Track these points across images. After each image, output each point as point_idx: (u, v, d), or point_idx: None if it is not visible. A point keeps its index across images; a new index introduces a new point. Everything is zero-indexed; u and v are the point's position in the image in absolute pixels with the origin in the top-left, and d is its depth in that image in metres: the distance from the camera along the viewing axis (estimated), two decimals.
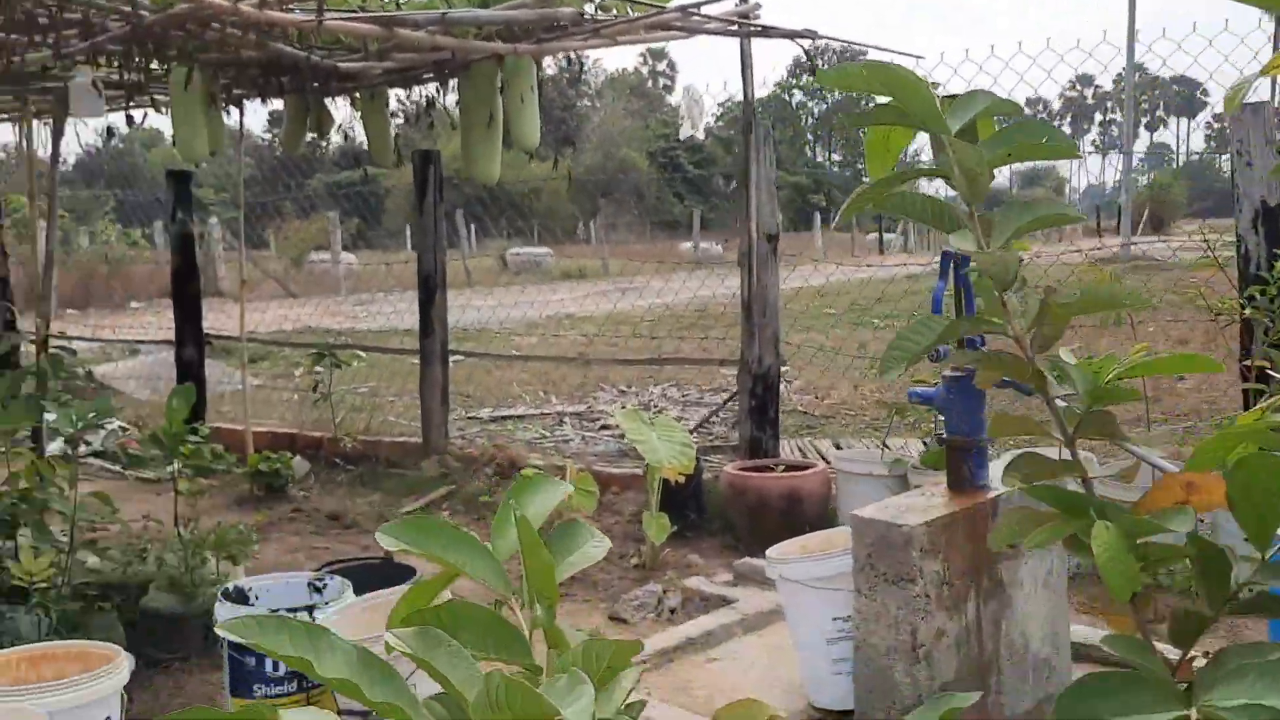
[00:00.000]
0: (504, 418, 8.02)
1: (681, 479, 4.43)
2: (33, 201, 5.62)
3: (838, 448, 6.49)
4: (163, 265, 17.77)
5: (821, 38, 4.61)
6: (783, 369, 5.13)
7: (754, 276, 4.83)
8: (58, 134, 5.33)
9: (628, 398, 8.85)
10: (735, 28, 4.45)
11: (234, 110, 5.08)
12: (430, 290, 5.94)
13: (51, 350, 4.43)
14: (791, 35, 4.34)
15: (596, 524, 5.07)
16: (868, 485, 4.38)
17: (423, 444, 6.02)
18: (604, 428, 7.50)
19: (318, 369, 6.15)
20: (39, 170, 5.89)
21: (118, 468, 6.29)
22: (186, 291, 6.74)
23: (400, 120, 5.33)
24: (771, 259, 4.86)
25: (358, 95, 5.09)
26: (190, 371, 6.68)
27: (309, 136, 4.93)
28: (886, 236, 30.27)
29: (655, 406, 8.24)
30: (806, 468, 4.68)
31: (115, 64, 4.32)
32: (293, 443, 6.43)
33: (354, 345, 6.90)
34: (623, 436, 7.35)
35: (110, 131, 6.23)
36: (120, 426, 6.62)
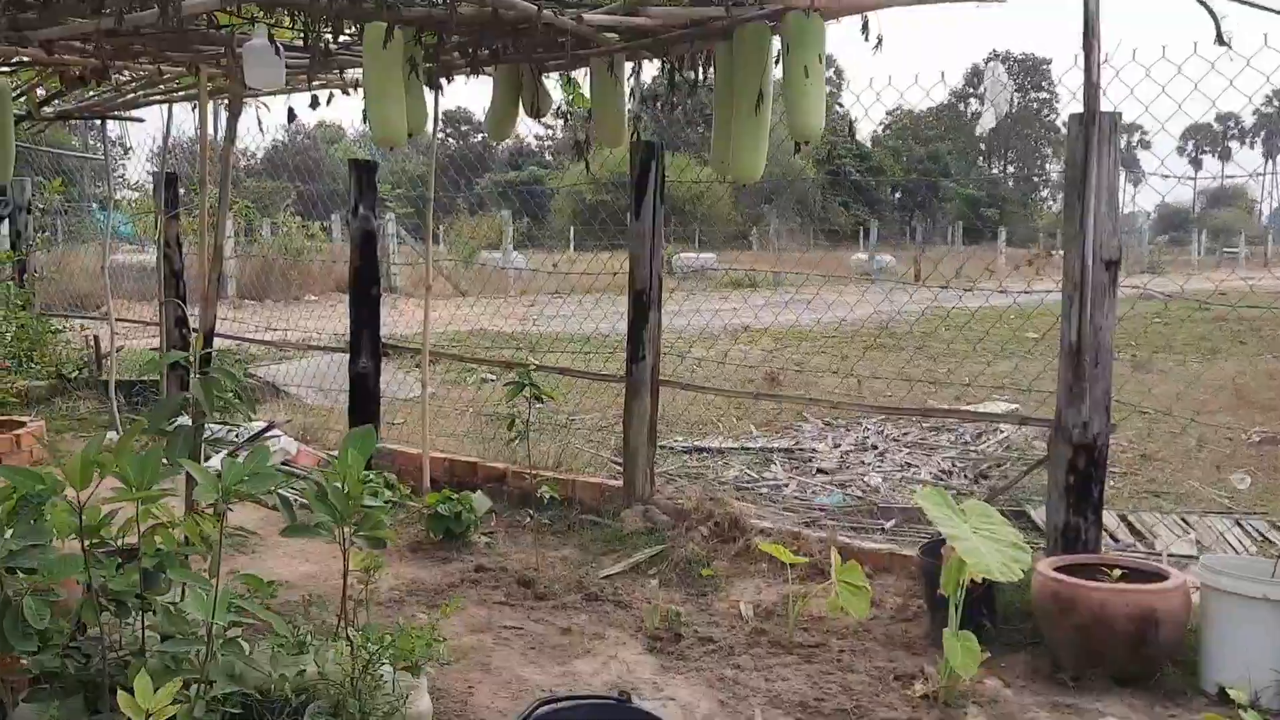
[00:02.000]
0: (701, 450, 6.97)
1: (980, 579, 3.28)
2: (202, 187, 4.86)
3: (1134, 529, 5.17)
4: (339, 260, 17.55)
5: None
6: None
7: (1086, 314, 3.60)
8: (234, 112, 4.52)
9: (835, 432, 7.67)
10: None
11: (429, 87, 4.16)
12: (644, 307, 4.92)
13: (210, 370, 3.58)
14: None
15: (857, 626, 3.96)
16: (1256, 613, 3.12)
17: (624, 488, 5.01)
18: (820, 471, 6.36)
19: (515, 402, 5.17)
20: (217, 155, 5.19)
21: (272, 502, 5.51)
22: (368, 294, 5.93)
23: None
24: (1110, 293, 3.62)
25: (574, 74, 4.12)
26: (364, 385, 5.87)
27: (520, 119, 3.98)
28: None
29: (871, 446, 7.03)
30: (1153, 575, 3.43)
31: (297, 24, 3.44)
32: (474, 473, 5.53)
33: (548, 367, 5.93)
34: (842, 485, 6.26)
35: (291, 113, 5.47)
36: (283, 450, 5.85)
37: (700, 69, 3.59)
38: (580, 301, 8.94)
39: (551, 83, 4.29)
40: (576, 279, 9.93)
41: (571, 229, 25.51)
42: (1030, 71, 65.97)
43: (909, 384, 10.54)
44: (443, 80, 4.42)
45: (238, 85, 3.93)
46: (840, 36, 3.41)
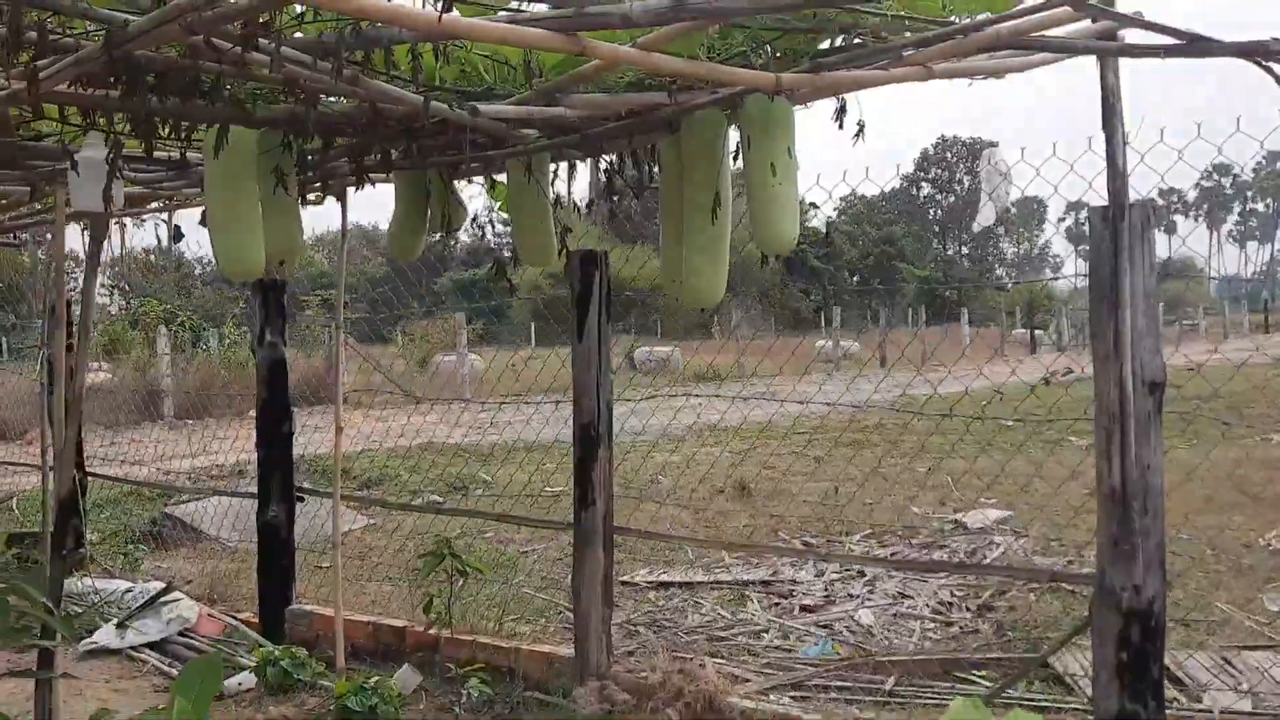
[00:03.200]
0: (665, 584, 6.16)
1: None
2: (50, 321, 4.10)
3: (1171, 674, 4.40)
4: (292, 368, 16.74)
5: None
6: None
7: (1130, 452, 2.90)
8: (95, 237, 3.79)
9: (812, 555, 6.89)
10: (1111, 42, 2.64)
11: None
12: (592, 443, 4.16)
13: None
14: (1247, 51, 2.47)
15: None
16: None
17: (576, 659, 4.18)
18: (803, 609, 5.56)
19: (436, 573, 4.39)
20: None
21: (176, 670, 4.64)
22: (278, 432, 5.13)
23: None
24: (1156, 421, 2.92)
25: (497, 174, 3.43)
26: (275, 536, 5.03)
27: (430, 237, 3.27)
28: (1037, 333, 27.71)
29: (858, 572, 6.24)
30: None
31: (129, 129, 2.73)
32: (402, 639, 4.68)
33: (484, 514, 5.15)
34: (829, 626, 5.47)
35: (178, 232, 4.74)
36: (181, 612, 4.98)
37: (645, 165, 2.90)
38: (538, 406, 8.21)
39: (474, 188, 3.62)
40: (533, 378, 9.22)
41: (532, 324, 24.85)
42: (978, 154, 67.35)
43: (885, 482, 9.85)
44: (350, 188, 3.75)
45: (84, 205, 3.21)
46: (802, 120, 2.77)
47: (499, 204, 4.05)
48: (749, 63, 2.29)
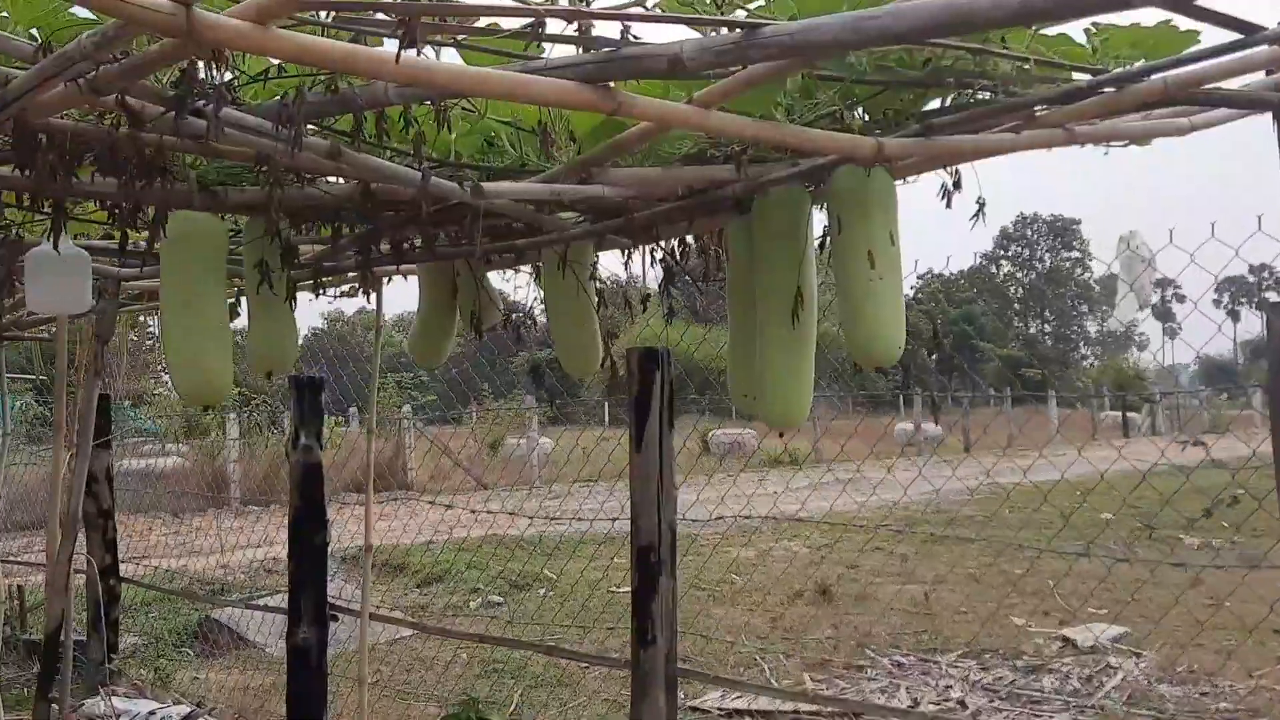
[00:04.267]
0: (739, 714, 5.47)
1: None
2: (58, 432, 3.69)
3: None
4: (354, 453, 16.42)
5: None
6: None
7: None
8: (101, 336, 3.38)
9: (906, 674, 6.14)
10: None
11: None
12: (651, 572, 3.56)
13: None
14: None
15: None
16: None
17: None
18: None
19: None
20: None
21: None
22: (310, 544, 4.63)
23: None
24: None
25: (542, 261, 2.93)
26: (305, 662, 4.50)
27: (456, 337, 2.77)
28: (1130, 416, 26.34)
29: (959, 702, 5.48)
30: None
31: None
32: None
33: (531, 645, 4.57)
34: None
35: (233, 311, 4.35)
36: None
37: (710, 251, 2.37)
38: (612, 492, 7.62)
39: (521, 275, 3.12)
40: (605, 462, 8.69)
41: (606, 404, 24.37)
42: (1060, 232, 65.87)
43: (978, 585, 9.02)
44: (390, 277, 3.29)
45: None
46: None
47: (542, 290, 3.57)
48: (840, 124, 1.75)
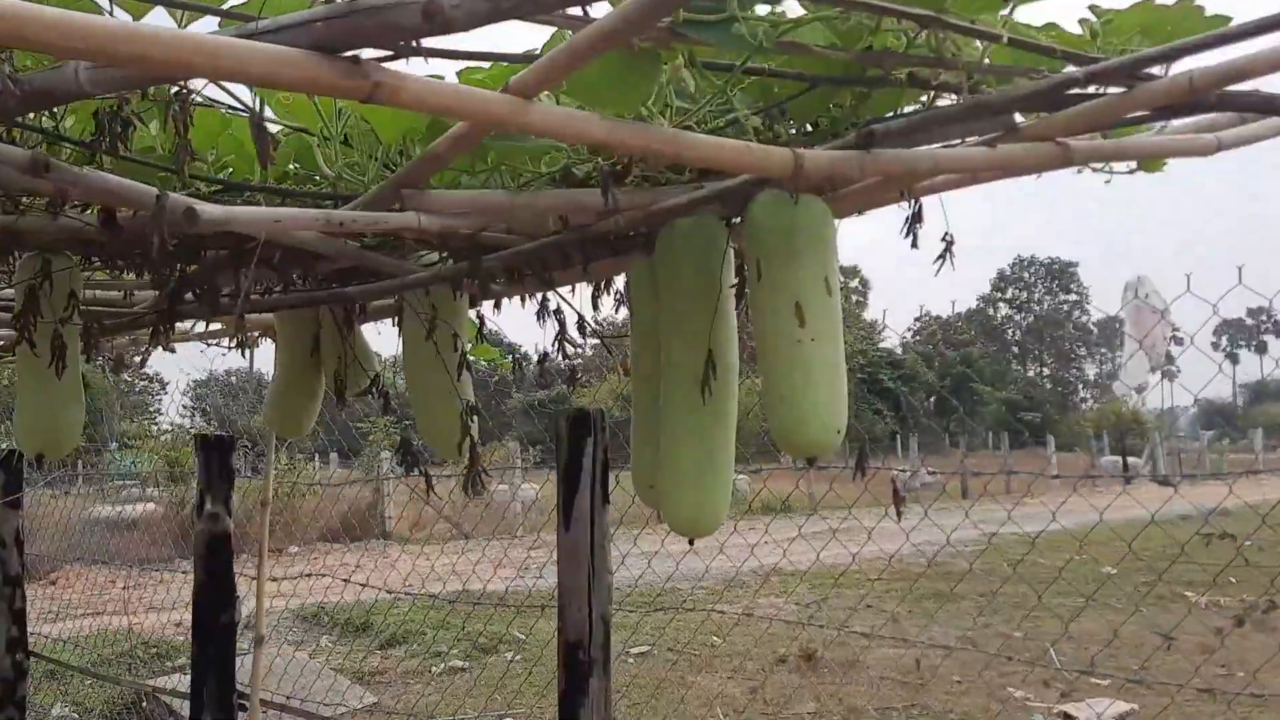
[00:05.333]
0: None
1: None
2: None
3: None
4: (338, 501, 15.82)
5: None
6: None
7: None
8: None
9: None
10: None
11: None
12: (581, 671, 3.02)
13: None
14: None
15: None
16: None
17: None
18: None
19: None
20: None
21: None
22: (215, 623, 4.09)
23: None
24: None
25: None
26: None
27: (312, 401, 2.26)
28: (1130, 460, 25.73)
29: None
30: None
31: None
32: None
33: None
34: None
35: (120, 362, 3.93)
36: None
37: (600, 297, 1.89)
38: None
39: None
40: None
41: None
42: (1058, 275, 65.41)
43: (974, 651, 8.43)
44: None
45: None
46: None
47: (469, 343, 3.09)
48: (745, 133, 1.26)
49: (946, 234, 1.62)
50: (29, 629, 5.55)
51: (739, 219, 1.66)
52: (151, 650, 8.07)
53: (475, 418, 1.74)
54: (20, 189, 1.28)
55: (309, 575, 5.71)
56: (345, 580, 5.42)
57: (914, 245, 1.75)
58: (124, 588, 11.46)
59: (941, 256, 1.61)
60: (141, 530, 14.44)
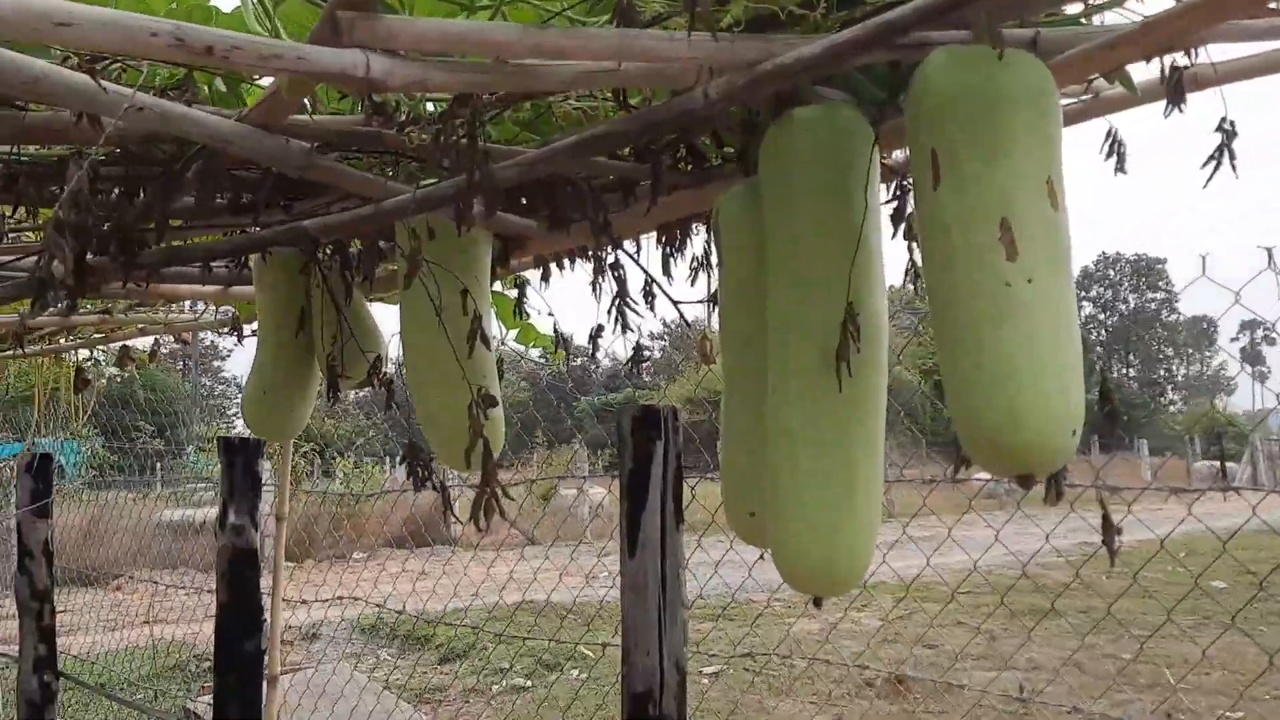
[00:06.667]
0: None
1: None
2: None
3: None
4: (396, 506, 15.50)
5: None
6: None
7: None
8: None
9: None
10: None
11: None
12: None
13: None
14: None
15: None
16: None
17: None
18: None
19: None
20: None
21: None
22: (240, 653, 3.63)
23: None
24: None
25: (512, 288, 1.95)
26: None
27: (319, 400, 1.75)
28: (1229, 466, 24.32)
29: None
30: None
31: None
32: None
33: None
34: None
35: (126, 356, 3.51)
36: None
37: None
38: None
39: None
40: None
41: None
42: (1144, 272, 62.70)
43: (1081, 673, 7.68)
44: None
45: None
46: None
47: (515, 331, 2.57)
48: None
49: (1225, 120, 1.03)
50: (59, 642, 5.19)
51: (883, 108, 1.10)
52: (204, 664, 7.72)
53: (490, 412, 1.19)
54: None
55: (340, 599, 5.23)
56: (379, 605, 4.93)
57: (1120, 169, 1.20)
58: (185, 593, 11.23)
59: (1218, 155, 1.02)
60: (207, 534, 14.27)
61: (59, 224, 0.76)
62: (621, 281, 1.36)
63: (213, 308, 2.94)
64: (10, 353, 3.58)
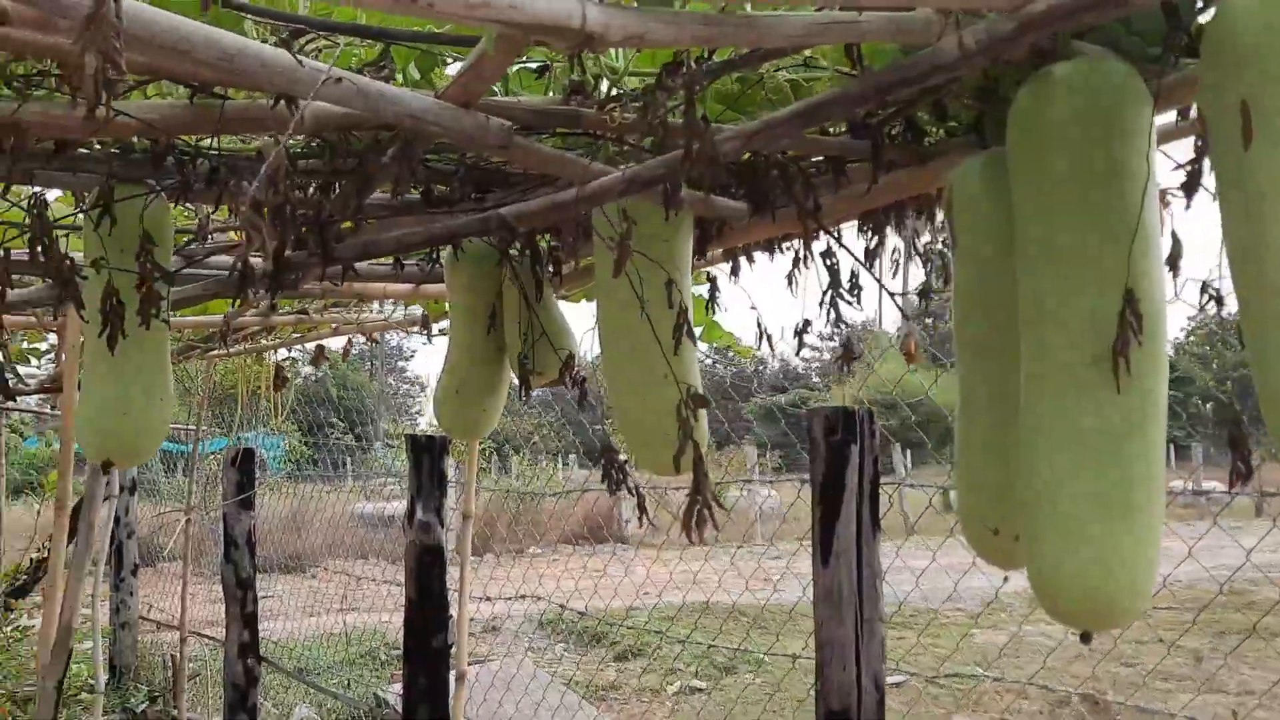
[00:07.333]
0: None
1: None
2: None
3: None
4: (578, 502, 15.74)
5: None
6: None
7: None
8: None
9: None
10: None
11: None
12: None
13: None
14: None
15: None
16: None
17: None
18: None
19: None
20: None
21: None
22: (427, 647, 3.68)
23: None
24: None
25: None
26: None
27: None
28: None
29: None
30: None
31: None
32: None
33: None
34: None
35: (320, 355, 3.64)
36: None
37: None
38: None
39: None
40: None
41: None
42: None
43: None
44: None
45: None
46: None
47: (702, 329, 2.48)
48: None
49: None
50: (260, 627, 5.45)
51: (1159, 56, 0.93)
52: (394, 651, 8.00)
53: (700, 414, 1.09)
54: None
55: (522, 596, 5.24)
56: (561, 606, 4.90)
57: None
58: (377, 583, 11.70)
59: None
60: (396, 527, 14.87)
61: (256, 203, 0.72)
62: (835, 271, 1.23)
63: (402, 307, 2.98)
64: (216, 351, 3.75)
